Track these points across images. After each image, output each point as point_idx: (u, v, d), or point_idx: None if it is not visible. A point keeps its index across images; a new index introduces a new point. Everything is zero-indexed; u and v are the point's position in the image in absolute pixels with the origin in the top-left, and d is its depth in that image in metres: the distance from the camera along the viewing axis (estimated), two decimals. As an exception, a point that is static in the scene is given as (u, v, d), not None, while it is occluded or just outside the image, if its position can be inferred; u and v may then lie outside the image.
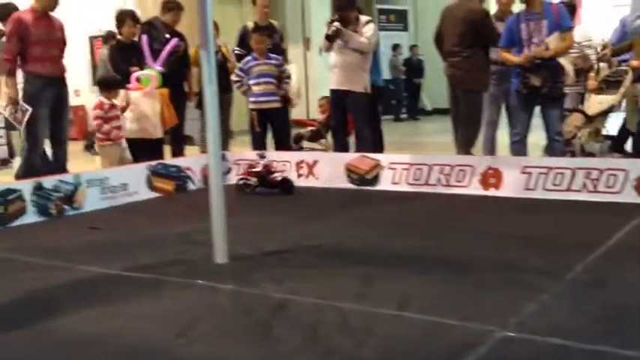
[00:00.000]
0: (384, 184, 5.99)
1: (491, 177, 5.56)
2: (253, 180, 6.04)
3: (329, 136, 8.00)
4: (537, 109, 5.85)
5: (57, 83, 6.23)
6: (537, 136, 6.36)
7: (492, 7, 6.98)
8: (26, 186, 5.12)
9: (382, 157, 6.14)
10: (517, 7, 6.13)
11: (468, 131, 6.35)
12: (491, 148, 6.56)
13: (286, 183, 6.01)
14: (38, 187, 5.18)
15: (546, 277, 3.32)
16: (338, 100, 6.75)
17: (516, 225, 4.56)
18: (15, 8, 6.36)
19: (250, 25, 7.26)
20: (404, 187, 5.87)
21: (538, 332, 2.63)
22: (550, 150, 5.91)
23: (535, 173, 5.37)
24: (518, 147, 5.88)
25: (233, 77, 6.96)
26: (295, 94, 7.29)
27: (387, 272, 3.53)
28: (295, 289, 3.27)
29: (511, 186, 5.46)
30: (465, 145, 6.34)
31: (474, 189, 5.59)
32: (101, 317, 3.03)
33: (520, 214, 4.92)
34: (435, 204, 5.41)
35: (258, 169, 6.05)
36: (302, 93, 9.85)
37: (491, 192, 5.52)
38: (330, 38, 6.57)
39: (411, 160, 5.93)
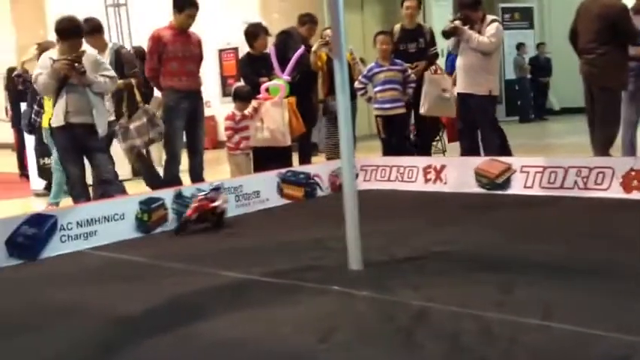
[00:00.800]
0: (516, 189, 5.81)
1: (634, 179, 5.25)
2: (194, 216, 5.21)
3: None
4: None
5: (193, 96, 6.54)
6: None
7: (630, 0, 6.61)
8: (168, 194, 5.40)
9: (513, 161, 5.96)
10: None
11: (606, 131, 6.05)
12: (631, 149, 6.21)
13: (218, 216, 5.28)
14: (178, 196, 5.45)
15: None
16: (463, 104, 6.63)
17: (665, 230, 4.29)
18: (98, 24, 6.55)
19: (397, 28, 7.29)
20: (537, 191, 5.67)
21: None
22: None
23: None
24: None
25: (356, 85, 7.01)
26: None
27: (526, 279, 3.42)
28: (433, 296, 3.24)
29: (656, 189, 5.14)
30: (602, 145, 6.03)
31: (615, 192, 5.31)
32: (243, 322, 3.13)
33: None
34: (572, 208, 5.18)
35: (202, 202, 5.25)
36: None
37: (635, 195, 5.22)
38: (445, 35, 6.49)
39: (545, 163, 5.72)
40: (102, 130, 5.45)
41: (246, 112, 6.60)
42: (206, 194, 5.24)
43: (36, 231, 4.65)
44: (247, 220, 5.65)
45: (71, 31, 5.34)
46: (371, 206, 5.70)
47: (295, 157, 7.25)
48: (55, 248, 4.71)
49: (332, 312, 3.18)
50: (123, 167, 7.51)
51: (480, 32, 6.39)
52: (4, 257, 4.50)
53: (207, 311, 3.31)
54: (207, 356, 2.79)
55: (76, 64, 5.22)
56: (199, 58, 6.62)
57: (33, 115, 7.27)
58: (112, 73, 5.65)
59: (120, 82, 6.03)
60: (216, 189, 5.31)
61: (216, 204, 5.24)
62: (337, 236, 4.03)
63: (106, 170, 5.60)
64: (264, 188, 6.05)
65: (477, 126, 6.59)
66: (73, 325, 3.25)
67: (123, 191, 5.68)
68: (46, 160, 7.62)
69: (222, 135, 12.61)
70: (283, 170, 6.30)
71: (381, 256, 4.02)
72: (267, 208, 5.99)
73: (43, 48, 6.54)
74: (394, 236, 4.57)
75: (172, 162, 6.59)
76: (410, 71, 7.00)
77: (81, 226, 4.87)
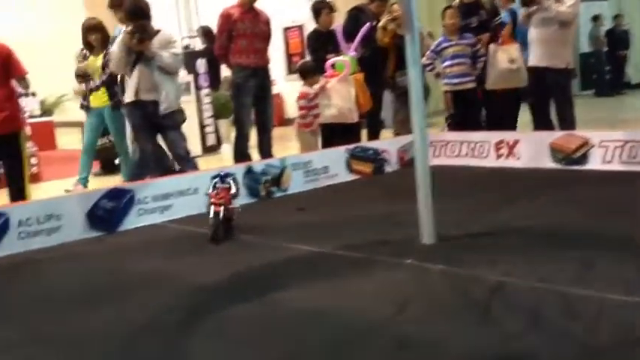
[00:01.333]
0: (594, 164, 5.62)
1: None
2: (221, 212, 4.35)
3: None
4: None
5: (261, 74, 6.58)
6: None
7: None
8: (239, 170, 5.47)
9: (591, 135, 5.76)
10: None
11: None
12: None
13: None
14: (249, 171, 5.51)
15: None
16: (537, 78, 6.44)
17: None
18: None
19: (456, 3, 7.15)
20: (617, 167, 5.46)
21: None
22: None
23: None
24: None
25: (424, 60, 6.88)
26: None
27: (607, 255, 3.31)
28: (510, 271, 3.17)
29: None
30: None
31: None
32: (319, 293, 3.15)
33: None
34: (654, 184, 4.98)
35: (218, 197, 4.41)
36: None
37: None
38: (526, 2, 6.29)
39: (625, 137, 5.50)
40: (163, 107, 5.52)
41: (315, 88, 6.59)
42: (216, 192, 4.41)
43: (114, 204, 4.79)
44: (316, 195, 5.66)
45: (137, 12, 5.45)
46: (441, 182, 5.58)
47: (364, 134, 7.22)
48: (133, 221, 4.85)
49: (407, 285, 3.17)
50: (195, 144, 7.64)
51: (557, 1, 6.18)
52: (86, 229, 4.67)
53: (283, 282, 3.34)
54: (288, 325, 2.82)
55: (136, 34, 5.32)
56: (267, 36, 6.64)
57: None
58: (179, 52, 5.73)
59: None
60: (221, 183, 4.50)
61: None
62: (408, 211, 4.00)
63: (180, 146, 5.70)
64: (333, 164, 6.05)
65: (550, 101, 6.40)
66: (156, 294, 3.33)
67: (195, 167, 5.78)
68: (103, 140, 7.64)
69: (289, 112, 12.75)
70: (352, 146, 6.28)
71: (454, 231, 3.96)
72: (335, 184, 5.99)
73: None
74: (466, 211, 4.50)
75: (241, 138, 6.67)
76: (480, 45, 6.84)
77: (157, 200, 4.99)
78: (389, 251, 3.68)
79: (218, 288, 3.38)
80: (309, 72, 6.67)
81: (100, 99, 6.54)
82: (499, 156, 6.21)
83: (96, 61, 6.51)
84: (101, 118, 6.60)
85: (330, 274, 3.42)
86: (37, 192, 6.41)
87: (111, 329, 2.91)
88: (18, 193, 5.14)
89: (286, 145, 7.97)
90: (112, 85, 6.39)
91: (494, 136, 6.38)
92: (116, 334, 2.84)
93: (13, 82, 5.28)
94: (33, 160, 7.55)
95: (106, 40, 6.45)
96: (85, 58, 6.62)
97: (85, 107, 6.83)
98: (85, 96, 6.75)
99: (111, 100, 6.49)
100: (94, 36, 6.49)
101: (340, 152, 6.20)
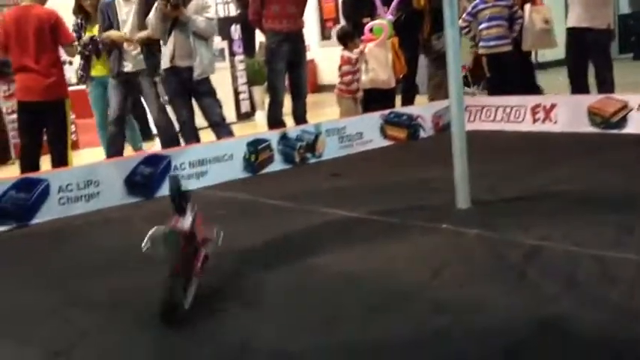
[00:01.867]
0: (633, 128, 5.50)
1: None
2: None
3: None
4: None
5: (294, 39, 6.54)
6: None
7: None
8: (274, 136, 5.50)
9: (630, 98, 5.64)
10: None
11: None
12: None
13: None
14: (283, 137, 5.54)
15: None
16: (576, 39, 6.30)
17: None
18: None
19: None
20: (656, 130, 5.37)
21: None
22: None
23: None
24: None
25: (460, 23, 6.75)
26: None
27: (646, 220, 3.28)
28: (546, 235, 3.16)
29: None
30: None
31: None
32: (355, 259, 3.18)
33: None
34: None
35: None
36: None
37: None
38: None
39: (666, 100, 5.38)
40: (197, 73, 5.54)
41: (356, 52, 6.54)
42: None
43: (152, 170, 4.87)
44: (351, 161, 5.67)
45: None
46: (477, 146, 5.53)
47: (398, 99, 7.16)
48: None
49: (442, 250, 3.18)
50: (229, 111, 7.67)
51: None
52: (125, 195, 4.76)
53: (318, 247, 3.38)
54: (324, 290, 2.85)
55: (170, 0, 5.33)
56: (302, 1, 6.59)
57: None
58: (214, 17, 5.72)
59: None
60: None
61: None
62: (442, 176, 3.99)
63: (215, 113, 5.74)
64: (368, 130, 6.04)
65: (588, 63, 6.27)
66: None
67: (230, 133, 5.82)
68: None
69: (322, 79, 12.70)
70: (386, 112, 6.25)
71: (490, 196, 3.95)
72: (370, 150, 5.98)
73: None
74: (502, 176, 4.47)
75: (275, 105, 6.67)
76: (517, 7, 6.70)
77: (192, 166, 5.06)
78: (424, 216, 3.69)
79: (253, 253, 3.43)
80: (349, 37, 6.63)
81: (102, 69, 6.31)
82: (535, 120, 6.13)
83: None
84: (104, 87, 6.31)
85: (366, 239, 3.44)
86: (76, 159, 6.52)
87: (148, 293, 2.96)
88: (60, 160, 5.25)
89: (320, 112, 7.96)
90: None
91: (531, 100, 6.30)
92: (154, 297, 2.90)
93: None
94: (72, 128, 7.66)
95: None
96: (80, 27, 6.34)
97: (85, 78, 6.51)
98: (84, 67, 6.44)
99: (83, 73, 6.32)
100: (89, 1, 6.26)
101: (375, 118, 6.18)
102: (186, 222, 2.81)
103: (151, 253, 2.68)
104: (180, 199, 2.87)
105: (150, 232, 2.72)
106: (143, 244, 2.67)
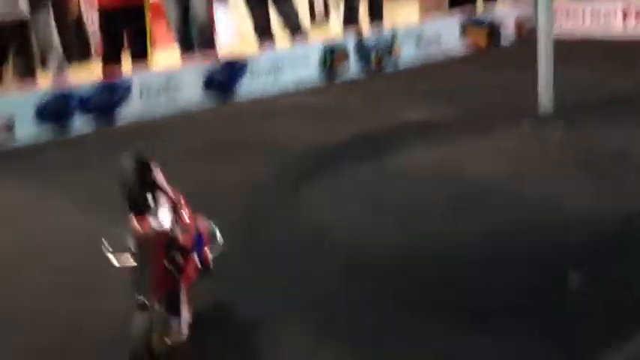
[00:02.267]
0: None
1: None
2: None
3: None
4: None
5: None
6: None
7: None
8: (348, 40, 5.41)
9: None
10: None
11: None
12: None
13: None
14: (359, 41, 5.44)
15: None
16: None
17: None
18: None
19: None
20: None
21: None
22: None
23: None
24: None
25: None
26: None
27: None
28: (629, 137, 3.09)
29: None
30: None
31: None
32: (438, 156, 3.19)
33: None
34: None
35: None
36: None
37: None
38: None
39: None
40: None
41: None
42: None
43: (229, 74, 4.91)
44: (429, 65, 5.54)
45: None
46: (562, 51, 5.37)
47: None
48: (246, 91, 4.96)
49: (524, 149, 3.16)
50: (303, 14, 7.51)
51: None
52: (203, 97, 4.83)
53: (402, 145, 3.37)
54: (411, 183, 2.89)
55: None
56: None
57: None
58: None
59: None
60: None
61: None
62: (525, 80, 3.88)
63: (291, 15, 5.67)
64: (447, 33, 5.86)
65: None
66: (269, 155, 3.45)
67: (305, 37, 5.74)
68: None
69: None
70: (466, 15, 6.03)
71: (574, 100, 3.82)
72: (449, 54, 5.82)
73: None
74: (587, 81, 4.31)
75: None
76: None
77: (269, 70, 5.06)
78: (506, 117, 3.63)
79: (338, 150, 3.46)
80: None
81: None
82: (626, 25, 5.79)
83: None
84: None
85: (446, 137, 3.42)
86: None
87: (237, 183, 3.04)
88: (142, 60, 5.33)
89: (396, 11, 7.68)
90: None
91: (621, 4, 5.93)
92: (243, 186, 2.98)
93: None
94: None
95: None
96: None
97: None
98: None
99: None
100: None
101: (454, 21, 5.98)
102: (161, 218, 1.78)
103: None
104: (141, 188, 1.75)
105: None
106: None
